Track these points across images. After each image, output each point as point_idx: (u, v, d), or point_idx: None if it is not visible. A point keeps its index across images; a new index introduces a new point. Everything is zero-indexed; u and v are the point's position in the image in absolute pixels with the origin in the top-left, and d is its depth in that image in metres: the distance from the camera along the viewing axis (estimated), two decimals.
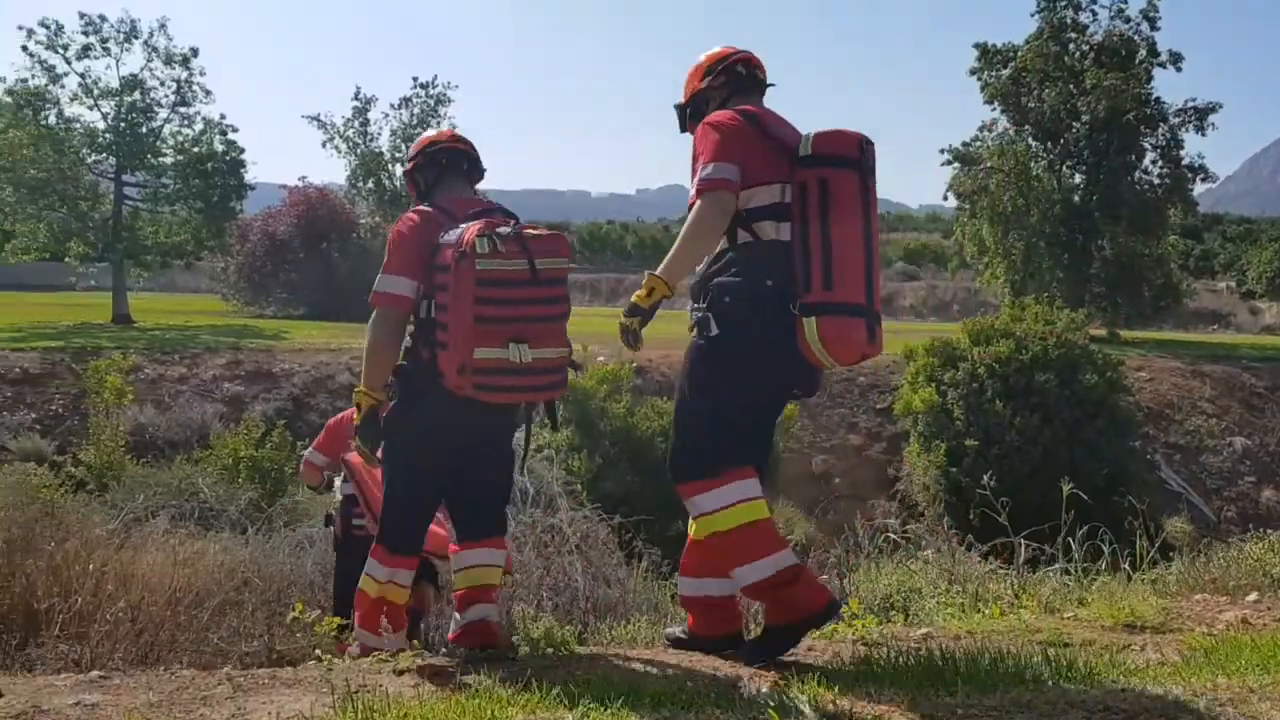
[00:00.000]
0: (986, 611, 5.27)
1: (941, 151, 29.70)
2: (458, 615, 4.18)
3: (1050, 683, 3.18)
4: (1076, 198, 28.97)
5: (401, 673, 3.48)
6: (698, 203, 3.63)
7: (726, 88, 3.93)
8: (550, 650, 4.28)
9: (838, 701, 2.92)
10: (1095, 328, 24.65)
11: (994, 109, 29.60)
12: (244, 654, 5.31)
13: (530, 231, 3.92)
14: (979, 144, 29.65)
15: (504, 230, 3.85)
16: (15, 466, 11.88)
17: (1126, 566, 8.37)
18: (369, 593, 4.16)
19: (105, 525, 8.47)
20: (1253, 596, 4.91)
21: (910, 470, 17.57)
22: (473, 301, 3.78)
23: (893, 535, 9.73)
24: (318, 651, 4.59)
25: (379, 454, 4.18)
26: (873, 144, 3.64)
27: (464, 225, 3.93)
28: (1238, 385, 22.46)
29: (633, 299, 3.73)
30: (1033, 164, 28.83)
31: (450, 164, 4.45)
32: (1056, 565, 8.10)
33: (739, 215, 3.67)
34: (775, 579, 3.56)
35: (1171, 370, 22.85)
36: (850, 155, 3.57)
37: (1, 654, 5.34)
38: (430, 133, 4.64)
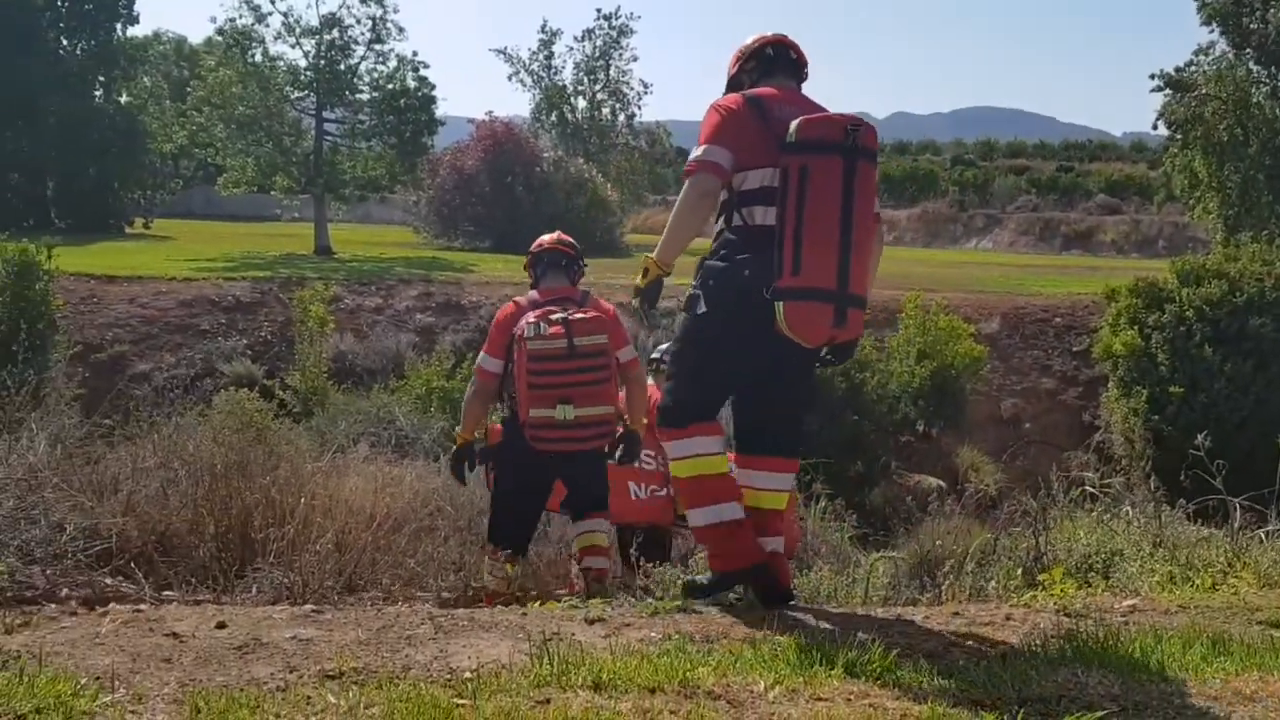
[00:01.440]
0: (1197, 581, 4.98)
1: (1152, 77, 27.78)
2: (576, 566, 5.54)
3: (1276, 674, 2.97)
4: None
5: (593, 621, 3.53)
6: (685, 183, 3.83)
7: (757, 71, 4.03)
8: (736, 600, 4.28)
9: (1043, 684, 2.79)
10: None
11: (1211, 31, 27.44)
12: (442, 588, 5.51)
13: (578, 316, 5.06)
14: (1194, 69, 27.58)
15: (553, 316, 5.06)
16: (229, 392, 12.65)
17: None
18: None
19: (313, 454, 8.92)
20: None
21: (1108, 417, 16.78)
22: (526, 373, 5.05)
23: (1090, 489, 9.32)
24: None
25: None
26: (863, 127, 3.63)
27: (529, 313, 5.16)
28: None
29: (635, 281, 4.00)
30: (1253, 91, 26.68)
31: (550, 262, 5.51)
32: (1270, 527, 7.62)
33: (734, 198, 3.81)
34: (717, 527, 3.86)
35: None
36: (833, 139, 3.60)
37: (222, 577, 5.69)
38: (544, 237, 5.71)
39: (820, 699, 2.69)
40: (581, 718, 2.47)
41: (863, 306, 3.71)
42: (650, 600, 3.87)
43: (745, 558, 3.86)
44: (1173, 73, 27.72)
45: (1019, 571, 5.44)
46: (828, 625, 3.66)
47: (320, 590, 5.18)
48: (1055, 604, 4.00)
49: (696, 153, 3.78)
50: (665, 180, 48.52)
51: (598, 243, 32.35)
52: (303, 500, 5.90)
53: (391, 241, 33.29)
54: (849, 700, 2.68)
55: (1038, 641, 3.45)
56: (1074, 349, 18.94)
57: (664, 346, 7.50)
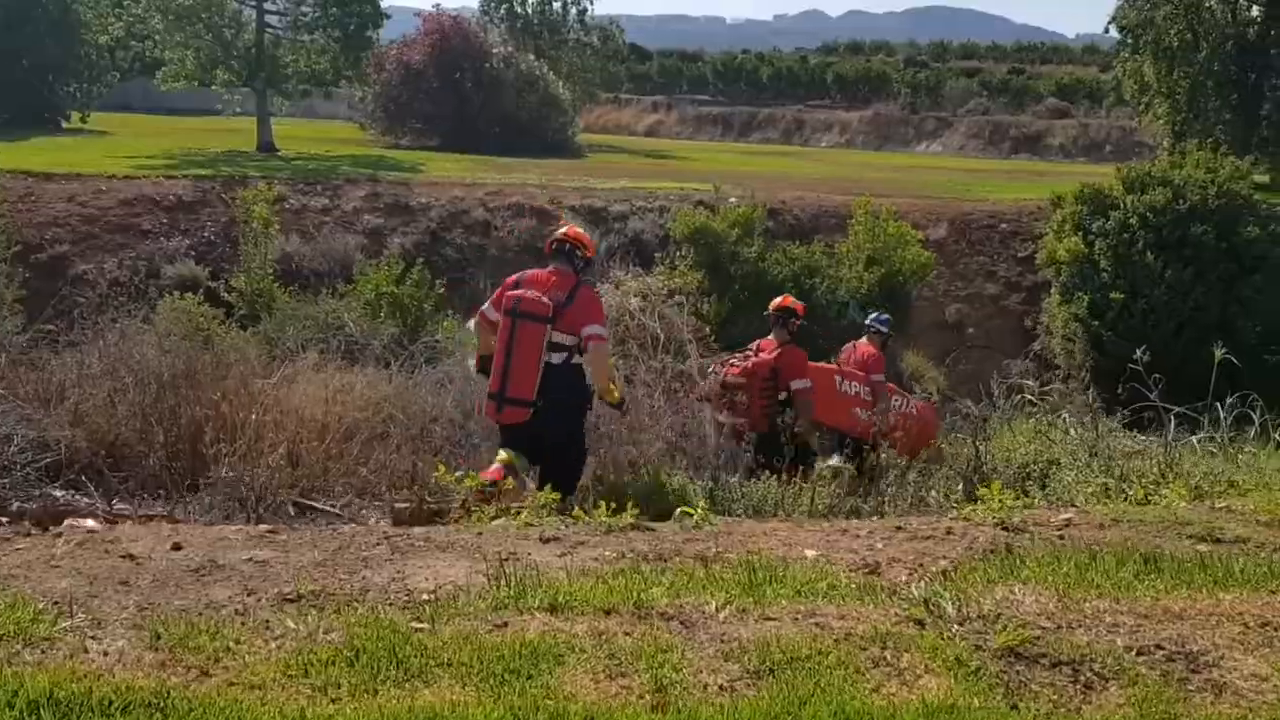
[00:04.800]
0: (1130, 493, 5.16)
1: None
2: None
3: (1204, 591, 3.11)
4: (1252, 32, 26.77)
5: (548, 540, 3.59)
6: None
7: (552, 256, 6.27)
8: (681, 508, 4.34)
9: (981, 601, 2.91)
10: (1258, 174, 23.10)
11: None
12: (396, 499, 5.54)
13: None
14: None
15: None
16: (174, 298, 12.47)
17: (1278, 436, 8.08)
18: None
19: (262, 363, 8.84)
20: None
21: (1049, 323, 17.08)
22: None
23: (1029, 397, 9.55)
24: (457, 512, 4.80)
25: None
26: (525, 301, 5.88)
27: None
28: None
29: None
30: None
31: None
32: (1202, 434, 7.89)
33: None
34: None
35: None
36: (508, 308, 5.91)
37: (174, 488, 5.69)
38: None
39: (769, 619, 2.78)
40: (538, 641, 2.54)
41: (520, 404, 5.84)
42: (604, 519, 3.93)
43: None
44: None
45: (960, 485, 5.59)
46: (776, 541, 3.76)
47: (274, 504, 5.20)
48: (994, 518, 4.12)
49: (483, 306, 6.30)
50: (618, 78, 47.71)
51: (550, 142, 31.87)
52: (254, 415, 5.85)
53: (337, 138, 32.54)
54: (796, 620, 2.77)
55: (976, 556, 3.57)
56: (1019, 255, 19.15)
57: (874, 315, 9.78)
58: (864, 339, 9.28)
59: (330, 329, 11.79)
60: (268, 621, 2.68)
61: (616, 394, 6.31)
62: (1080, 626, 2.80)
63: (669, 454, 8.52)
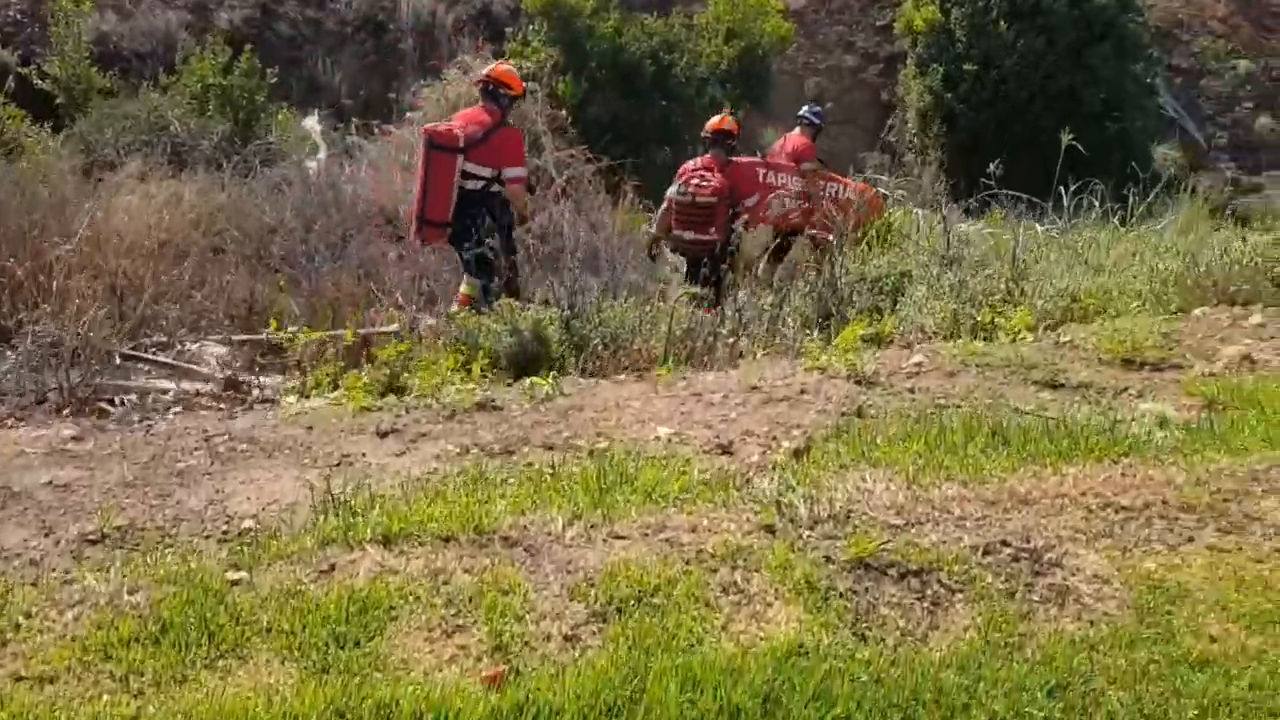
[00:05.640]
0: (979, 318, 5.18)
1: None
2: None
3: (1050, 467, 3.10)
4: None
5: (385, 435, 3.37)
6: None
7: (480, 93, 7.12)
8: (532, 379, 4.14)
9: (834, 496, 2.84)
10: None
11: None
12: (237, 347, 5.19)
13: None
14: None
15: None
16: None
17: (1116, 221, 8.32)
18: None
19: (75, 176, 8.10)
20: (1256, 319, 4.77)
21: (904, 95, 16.99)
22: None
23: (884, 192, 9.56)
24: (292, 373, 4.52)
25: None
26: (437, 135, 6.54)
27: None
28: (1254, 3, 21.30)
29: None
30: None
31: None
32: (1045, 225, 8.05)
33: None
34: None
35: None
36: (425, 137, 6.64)
37: None
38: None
39: (618, 536, 2.66)
40: (368, 590, 2.35)
41: (436, 225, 6.57)
42: (448, 400, 3.71)
43: None
44: None
45: (815, 311, 5.53)
46: (629, 416, 3.62)
47: (94, 365, 4.79)
48: (846, 368, 4.06)
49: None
50: None
51: None
52: (60, 272, 5.30)
53: None
54: (646, 536, 2.66)
55: (830, 423, 3.51)
56: (877, 24, 18.77)
57: (807, 107, 10.03)
58: (795, 130, 9.52)
59: (154, 129, 10.87)
60: (65, 578, 2.42)
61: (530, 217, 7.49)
62: (929, 521, 2.77)
63: (527, 260, 8.28)
